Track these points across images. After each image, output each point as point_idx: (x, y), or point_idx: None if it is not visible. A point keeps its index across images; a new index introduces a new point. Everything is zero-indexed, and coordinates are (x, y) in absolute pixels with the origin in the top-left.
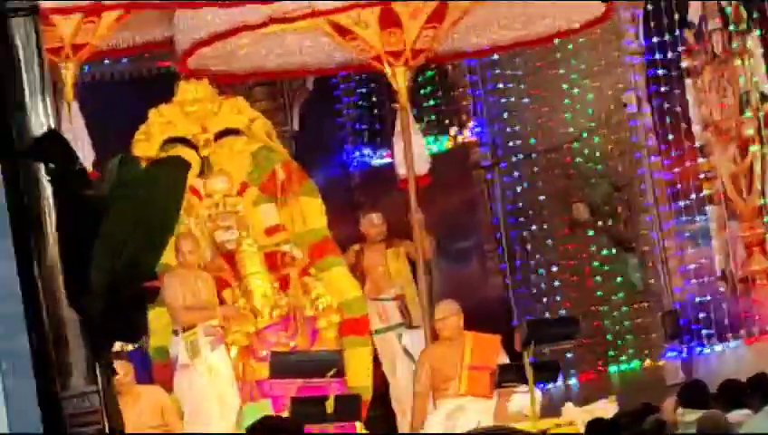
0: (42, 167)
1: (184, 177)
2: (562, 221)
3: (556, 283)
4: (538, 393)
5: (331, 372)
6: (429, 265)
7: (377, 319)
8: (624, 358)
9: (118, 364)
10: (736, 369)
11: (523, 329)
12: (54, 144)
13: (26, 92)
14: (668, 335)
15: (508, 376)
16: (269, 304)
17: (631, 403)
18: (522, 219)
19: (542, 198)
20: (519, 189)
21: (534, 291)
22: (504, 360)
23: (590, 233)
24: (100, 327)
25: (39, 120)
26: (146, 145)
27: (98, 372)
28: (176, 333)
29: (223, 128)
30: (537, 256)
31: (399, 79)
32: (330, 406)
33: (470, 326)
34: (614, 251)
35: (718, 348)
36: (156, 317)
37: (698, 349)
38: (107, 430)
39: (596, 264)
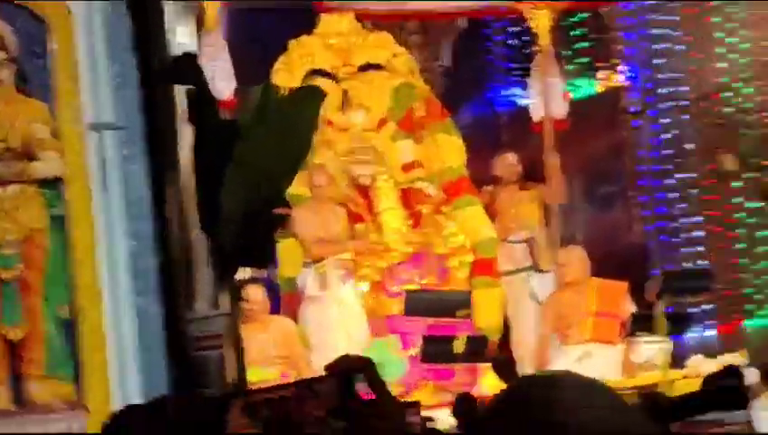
0: (178, 90)
1: (319, 106)
2: (709, 171)
3: (699, 233)
4: (669, 344)
5: (462, 313)
6: (563, 210)
7: (506, 260)
8: (762, 313)
9: (252, 288)
10: None
11: (657, 280)
12: (190, 68)
13: (167, 18)
14: None
15: (639, 325)
16: (402, 241)
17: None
18: (668, 167)
19: (689, 146)
20: (666, 137)
21: (676, 240)
22: (631, 308)
23: (736, 184)
24: (229, 252)
25: (179, 45)
26: (286, 75)
27: (223, 296)
28: (306, 265)
29: (365, 62)
30: (681, 205)
31: (540, 21)
32: (459, 346)
33: (610, 273)
34: (760, 204)
35: None
36: (286, 248)
37: None
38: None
39: (740, 216)
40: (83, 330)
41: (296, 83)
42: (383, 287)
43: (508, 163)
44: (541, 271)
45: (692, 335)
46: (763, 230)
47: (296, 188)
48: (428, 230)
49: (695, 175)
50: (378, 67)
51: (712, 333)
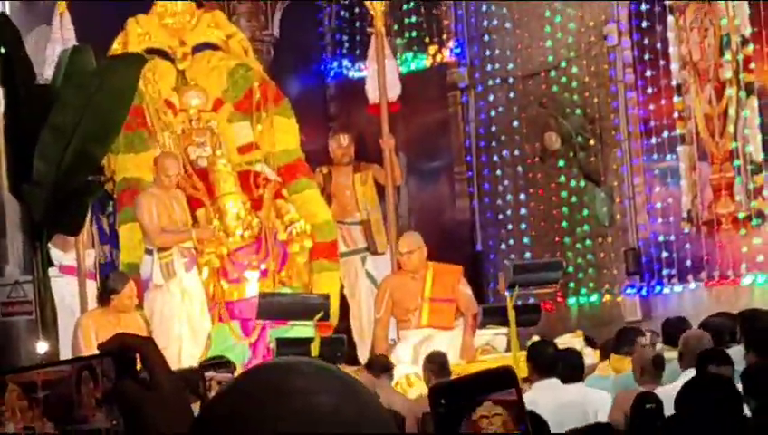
0: None
1: (139, 73)
2: (534, 149)
3: (523, 210)
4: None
5: (319, 316)
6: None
7: (341, 242)
8: (584, 291)
9: (128, 284)
10: (694, 311)
11: (507, 271)
12: (4, 30)
13: None
14: (630, 272)
15: (492, 318)
16: (241, 225)
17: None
18: (493, 144)
19: (515, 123)
20: (493, 113)
21: (501, 217)
22: (467, 290)
23: (561, 163)
24: (41, 218)
25: None
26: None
27: (34, 262)
28: (149, 252)
29: (200, 41)
30: (506, 182)
31: (376, 4)
32: (315, 348)
33: (435, 248)
34: (583, 183)
35: (678, 289)
36: (127, 233)
37: (658, 288)
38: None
39: (564, 194)
40: None
41: None
42: (224, 273)
43: (341, 145)
44: (376, 253)
45: None
46: (584, 210)
47: (139, 171)
48: (268, 214)
49: (520, 152)
50: (213, 47)
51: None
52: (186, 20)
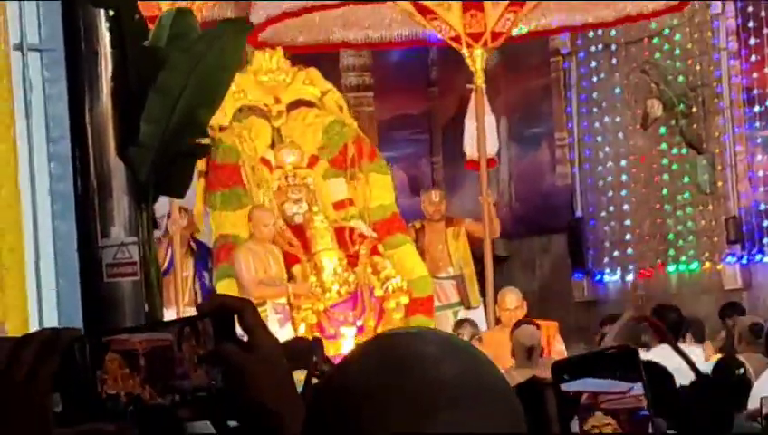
0: (101, 12)
1: (244, 37)
2: (635, 115)
3: (623, 177)
4: None
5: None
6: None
7: (434, 297)
8: (684, 259)
9: None
10: None
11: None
12: None
13: None
14: (730, 240)
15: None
16: (338, 281)
17: (688, 305)
18: (595, 110)
19: (617, 90)
20: (595, 80)
21: (601, 183)
22: (561, 347)
23: (662, 130)
24: (146, 180)
25: None
26: (218, 113)
27: (140, 224)
28: None
29: (295, 99)
30: (607, 149)
31: (477, 60)
32: None
33: (535, 214)
34: (684, 151)
35: None
36: (224, 290)
37: (759, 256)
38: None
39: (665, 161)
40: (2, 249)
41: (227, 120)
42: (320, 329)
43: (433, 201)
44: (470, 307)
45: (614, 279)
46: (685, 177)
47: (236, 228)
48: (364, 270)
49: (622, 119)
50: (308, 104)
51: (631, 277)
52: (281, 78)
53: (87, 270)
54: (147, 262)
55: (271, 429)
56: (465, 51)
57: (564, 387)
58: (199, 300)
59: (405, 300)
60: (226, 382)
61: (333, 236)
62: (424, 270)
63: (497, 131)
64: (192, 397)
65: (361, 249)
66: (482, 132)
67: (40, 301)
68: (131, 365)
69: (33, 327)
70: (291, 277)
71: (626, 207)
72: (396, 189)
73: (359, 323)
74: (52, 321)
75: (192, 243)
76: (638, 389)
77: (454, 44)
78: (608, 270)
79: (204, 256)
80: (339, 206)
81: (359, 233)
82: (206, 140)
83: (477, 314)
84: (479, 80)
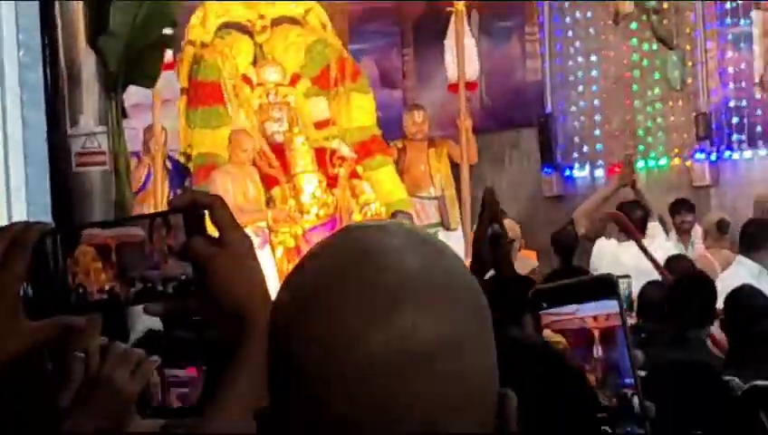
0: None
1: None
2: (606, 10)
3: (594, 72)
4: None
5: None
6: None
7: (414, 216)
8: (653, 154)
9: None
10: (762, 177)
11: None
12: None
13: None
14: (699, 136)
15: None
16: (317, 204)
17: (657, 201)
18: (566, 5)
19: None
20: None
21: (571, 78)
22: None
23: (633, 26)
24: (118, 68)
25: None
26: (200, 30)
27: (109, 114)
28: None
29: (279, 15)
30: (577, 44)
31: None
32: None
33: (505, 109)
34: (655, 47)
35: (747, 154)
36: None
37: (728, 153)
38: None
39: (635, 57)
40: None
41: (210, 37)
42: (298, 252)
43: (415, 121)
44: (449, 228)
45: (583, 175)
46: (656, 73)
47: (215, 147)
48: (344, 193)
49: (593, 14)
50: (292, 21)
51: (600, 173)
52: None
53: (56, 159)
54: (116, 152)
55: (239, 323)
56: None
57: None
58: None
59: None
60: (197, 277)
61: (314, 157)
62: (403, 193)
63: (469, 25)
64: (162, 289)
65: (341, 171)
66: (461, 56)
67: (8, 190)
68: (103, 259)
69: (1, 217)
70: (270, 200)
71: (596, 102)
72: (368, 80)
73: None
74: (19, 209)
75: (167, 162)
76: (609, 307)
77: None
78: (577, 165)
79: (180, 174)
80: (320, 125)
81: (339, 155)
82: (170, 31)
83: (456, 236)
84: (459, 3)
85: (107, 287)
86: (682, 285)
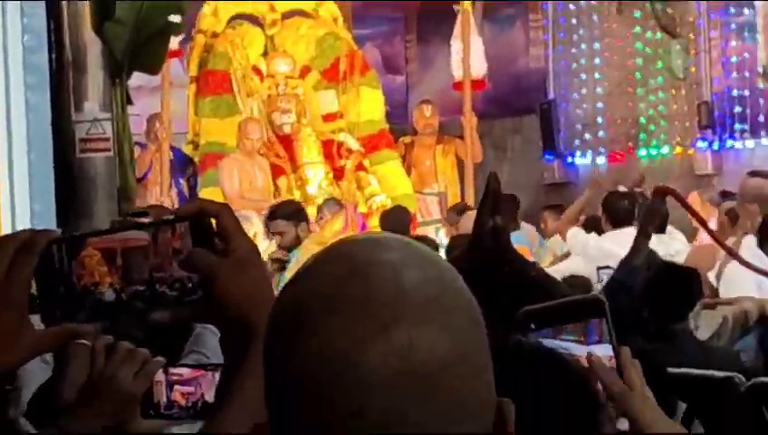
0: None
1: None
2: None
3: (597, 60)
4: None
5: None
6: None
7: (417, 213)
8: (655, 143)
9: None
10: (764, 166)
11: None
12: None
13: None
14: (702, 125)
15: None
16: (322, 195)
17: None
18: None
19: None
20: None
21: (574, 66)
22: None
23: (637, 14)
24: (123, 54)
25: None
26: (212, 20)
27: (114, 100)
28: None
29: (290, 9)
30: (581, 31)
31: None
32: None
33: (508, 95)
34: (658, 35)
35: (750, 143)
36: (208, 196)
37: (730, 142)
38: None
39: (639, 45)
40: None
41: (221, 27)
42: None
43: (424, 115)
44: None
45: (585, 163)
46: (659, 61)
47: (223, 136)
48: (350, 186)
49: (596, 1)
50: (303, 14)
51: (602, 160)
52: None
53: (60, 145)
54: (120, 138)
55: (243, 333)
56: None
57: (529, 337)
58: (176, 206)
59: None
60: (201, 287)
61: (321, 148)
62: (408, 188)
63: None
64: (168, 293)
65: (348, 164)
66: (467, 54)
67: (11, 174)
68: (109, 263)
69: (4, 201)
70: (276, 190)
71: (598, 90)
72: (373, 68)
73: (341, 237)
74: (23, 194)
75: (170, 150)
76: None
77: None
78: (579, 153)
79: (182, 163)
80: (328, 118)
81: (346, 147)
82: (177, 19)
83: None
84: (466, 1)
85: (113, 291)
86: (662, 276)
